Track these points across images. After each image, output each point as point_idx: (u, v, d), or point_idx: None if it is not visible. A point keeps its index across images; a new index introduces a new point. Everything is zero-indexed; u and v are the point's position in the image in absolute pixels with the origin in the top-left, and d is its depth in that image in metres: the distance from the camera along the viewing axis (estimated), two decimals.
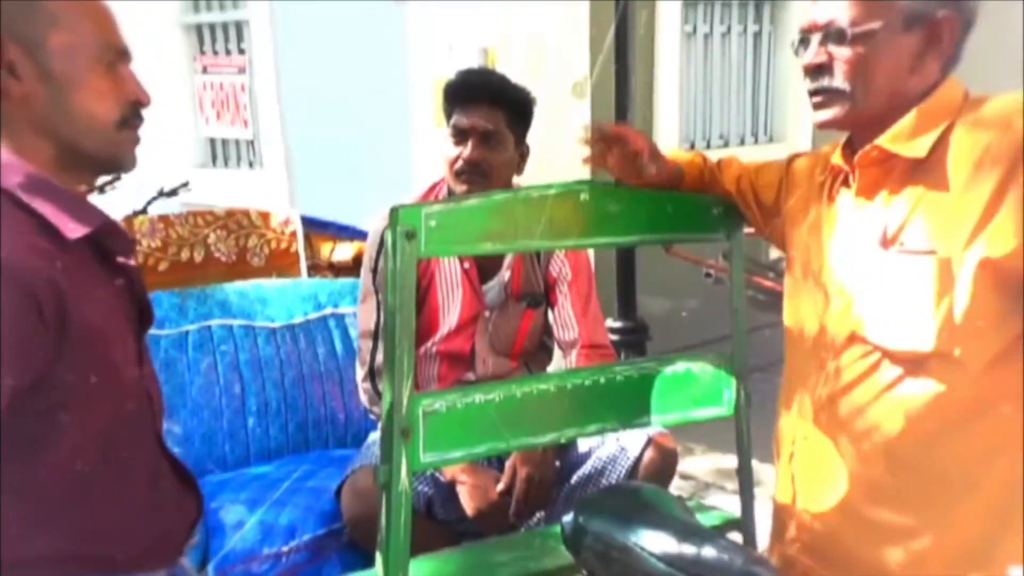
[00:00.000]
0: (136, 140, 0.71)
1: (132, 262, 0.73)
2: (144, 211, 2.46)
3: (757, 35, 3.08)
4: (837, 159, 0.83)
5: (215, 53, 3.37)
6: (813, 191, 0.87)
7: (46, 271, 0.61)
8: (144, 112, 0.71)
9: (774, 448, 0.91)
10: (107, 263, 0.70)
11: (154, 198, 2.67)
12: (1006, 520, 0.74)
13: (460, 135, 1.17)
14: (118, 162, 0.71)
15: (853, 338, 0.79)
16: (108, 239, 0.69)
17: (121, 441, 0.68)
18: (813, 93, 0.79)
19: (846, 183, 0.83)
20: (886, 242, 0.77)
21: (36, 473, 0.63)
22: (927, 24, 0.75)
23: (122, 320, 0.70)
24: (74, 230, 0.65)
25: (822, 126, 0.80)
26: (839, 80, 0.76)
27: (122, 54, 0.70)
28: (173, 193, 2.71)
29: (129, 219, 1.54)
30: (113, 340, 0.67)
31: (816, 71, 0.78)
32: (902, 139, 0.76)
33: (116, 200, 2.62)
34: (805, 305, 0.86)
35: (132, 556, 0.68)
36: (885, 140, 0.77)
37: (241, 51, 3.29)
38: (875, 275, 0.77)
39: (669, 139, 2.73)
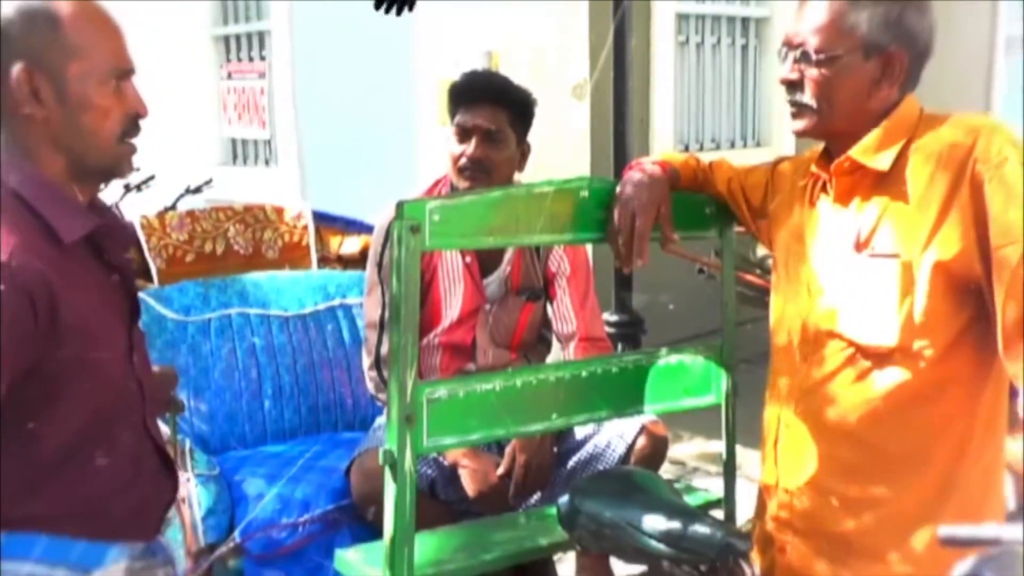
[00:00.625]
0: (133, 150, 0.73)
1: (128, 257, 0.76)
2: (174, 207, 2.47)
3: (744, 48, 3.10)
4: (815, 167, 0.86)
5: (239, 60, 3.40)
6: (795, 195, 0.90)
7: (40, 270, 0.64)
8: (143, 121, 0.73)
9: (762, 435, 0.92)
10: (103, 261, 0.73)
11: (182, 195, 2.68)
12: (951, 489, 0.79)
13: (464, 133, 1.16)
14: (117, 172, 0.73)
15: (831, 334, 0.82)
16: (104, 240, 0.72)
17: (108, 422, 0.70)
18: (790, 103, 0.83)
19: (824, 189, 0.86)
20: (859, 246, 0.80)
21: (33, 445, 0.66)
22: (882, 55, 0.79)
23: (114, 315, 0.72)
24: (70, 234, 0.68)
25: (797, 134, 0.84)
26: (807, 97, 0.80)
27: (127, 72, 0.71)
28: (198, 190, 2.72)
29: (161, 214, 1.56)
30: (102, 334, 0.69)
31: (790, 86, 0.82)
32: (869, 152, 0.80)
33: (150, 197, 2.66)
34: (789, 303, 0.88)
35: (115, 525, 0.70)
36: (855, 152, 0.80)
37: (262, 58, 3.31)
38: (850, 276, 0.81)
39: (664, 141, 2.73)
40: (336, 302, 1.46)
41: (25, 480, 0.65)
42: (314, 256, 1.57)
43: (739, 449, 1.06)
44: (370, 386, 1.22)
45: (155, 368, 0.97)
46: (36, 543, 0.66)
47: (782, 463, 0.87)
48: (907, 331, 0.76)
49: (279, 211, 1.60)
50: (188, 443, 1.21)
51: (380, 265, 1.19)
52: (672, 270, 1.97)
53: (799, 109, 0.82)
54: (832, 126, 0.81)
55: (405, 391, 0.81)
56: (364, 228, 1.53)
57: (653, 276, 2.15)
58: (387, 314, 1.16)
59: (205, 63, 3.42)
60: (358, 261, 1.52)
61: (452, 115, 1.18)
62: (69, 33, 0.66)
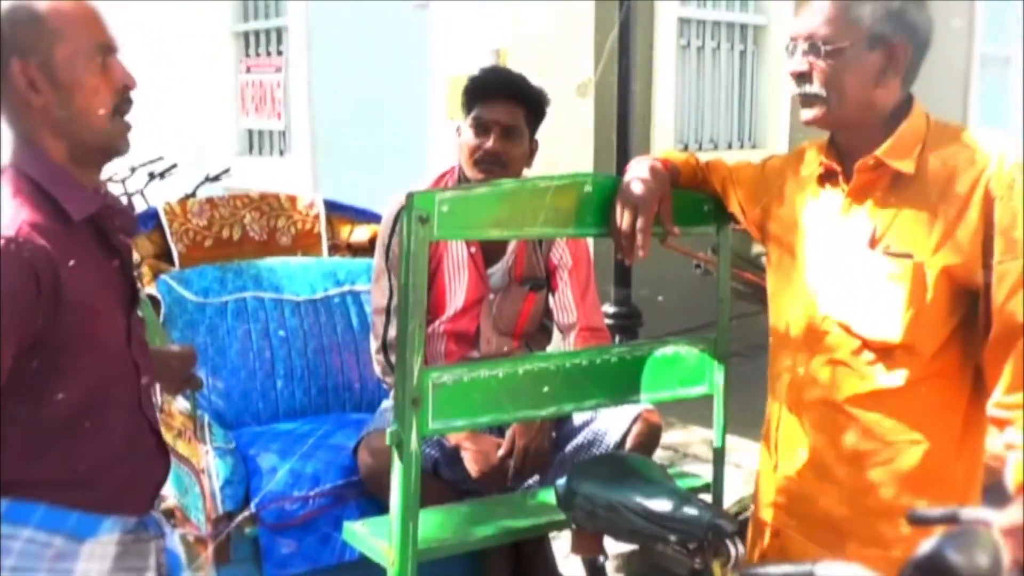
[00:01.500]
0: (128, 127, 0.73)
1: (128, 242, 0.76)
2: (194, 194, 2.47)
3: (743, 53, 3.08)
4: (825, 158, 0.85)
5: (258, 55, 3.38)
6: (795, 187, 0.88)
7: (44, 247, 0.65)
8: (134, 94, 0.72)
9: (764, 425, 0.91)
10: (106, 245, 0.73)
11: (201, 183, 2.69)
12: (938, 478, 0.81)
13: (482, 127, 1.15)
14: (114, 149, 0.73)
15: (839, 325, 0.82)
16: (107, 222, 0.73)
17: (104, 398, 0.71)
18: (800, 96, 0.83)
19: (832, 182, 0.85)
20: (873, 243, 0.80)
21: (35, 414, 0.68)
22: (886, 46, 0.79)
23: (113, 297, 0.73)
24: (78, 212, 0.69)
25: (807, 123, 0.84)
26: (817, 87, 0.81)
27: (110, 48, 0.71)
28: (217, 179, 2.73)
29: (183, 201, 1.54)
30: (101, 314, 0.70)
31: (800, 77, 0.82)
32: (896, 154, 0.80)
33: (173, 184, 2.66)
34: (793, 292, 0.87)
35: (108, 498, 0.71)
36: (883, 152, 0.80)
37: (279, 53, 3.30)
38: (861, 271, 0.81)
39: (665, 140, 2.71)
40: (345, 288, 1.45)
41: (26, 448, 0.67)
42: (325, 244, 1.54)
43: (729, 438, 1.06)
44: (377, 369, 1.22)
45: (175, 347, 0.97)
46: (35, 511, 0.67)
47: (782, 448, 0.87)
48: (912, 329, 0.78)
49: (292, 199, 1.57)
50: (206, 418, 1.21)
51: (388, 253, 1.18)
52: (670, 265, 1.96)
53: (809, 99, 0.81)
54: (841, 115, 0.81)
55: (411, 376, 0.81)
56: (373, 217, 1.53)
57: (651, 271, 2.14)
58: (394, 301, 1.15)
59: (225, 58, 3.43)
60: (367, 249, 1.50)
61: (469, 109, 1.17)
62: (50, 18, 0.67)
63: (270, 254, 1.49)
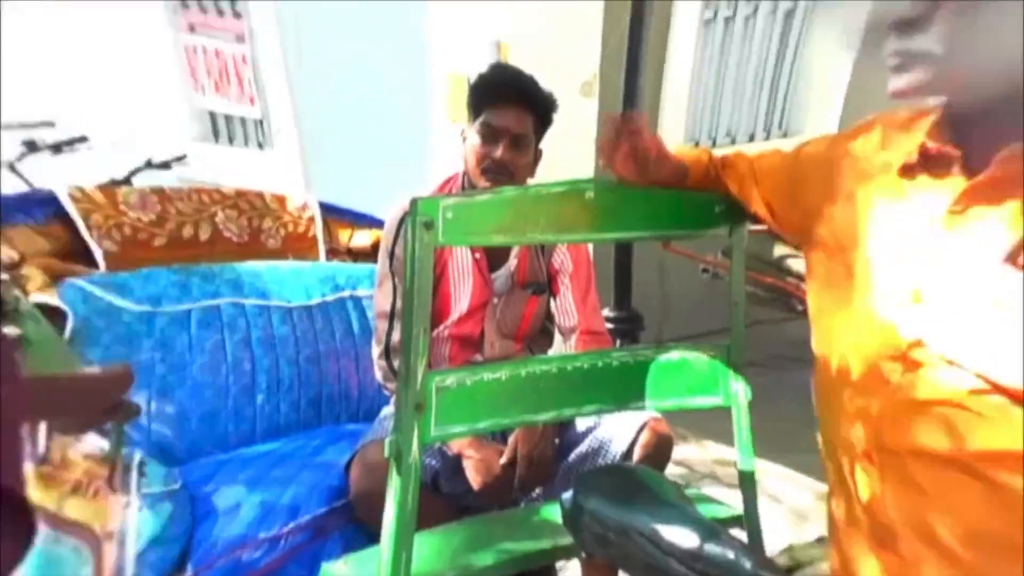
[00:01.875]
0: None
1: None
2: (128, 181, 2.13)
3: (789, 13, 2.85)
4: (930, 142, 0.67)
5: (203, 11, 3.01)
6: (855, 178, 0.74)
7: None
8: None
9: (828, 481, 0.78)
10: None
11: (139, 168, 2.21)
12: None
13: (491, 135, 1.22)
14: None
15: (943, 360, 0.66)
16: None
17: None
18: (895, 54, 0.64)
19: (935, 172, 0.68)
20: (1013, 257, 0.63)
21: None
22: None
23: None
24: None
25: (897, 94, 0.64)
26: (932, 41, 0.61)
27: None
28: (165, 166, 2.38)
29: (108, 188, 1.37)
30: None
31: (903, 27, 0.62)
32: None
33: (89, 164, 2.11)
34: (858, 316, 0.72)
35: None
36: None
37: (236, 14, 2.96)
38: (987, 294, 0.64)
39: (676, 134, 2.70)
40: (346, 293, 1.50)
41: None
42: (322, 248, 1.57)
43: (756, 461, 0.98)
44: (379, 375, 1.34)
45: (96, 369, 0.80)
46: None
47: (866, 506, 0.71)
48: None
49: (281, 200, 1.54)
50: (137, 456, 1.09)
51: (391, 257, 1.30)
52: (671, 270, 2.06)
53: (908, 60, 0.62)
54: (968, 78, 0.61)
55: (415, 379, 0.89)
56: (374, 222, 1.57)
57: (652, 275, 2.23)
58: (398, 305, 1.26)
59: (154, 8, 2.95)
60: (369, 254, 1.55)
61: (477, 112, 1.23)
62: None
63: (254, 257, 1.51)
